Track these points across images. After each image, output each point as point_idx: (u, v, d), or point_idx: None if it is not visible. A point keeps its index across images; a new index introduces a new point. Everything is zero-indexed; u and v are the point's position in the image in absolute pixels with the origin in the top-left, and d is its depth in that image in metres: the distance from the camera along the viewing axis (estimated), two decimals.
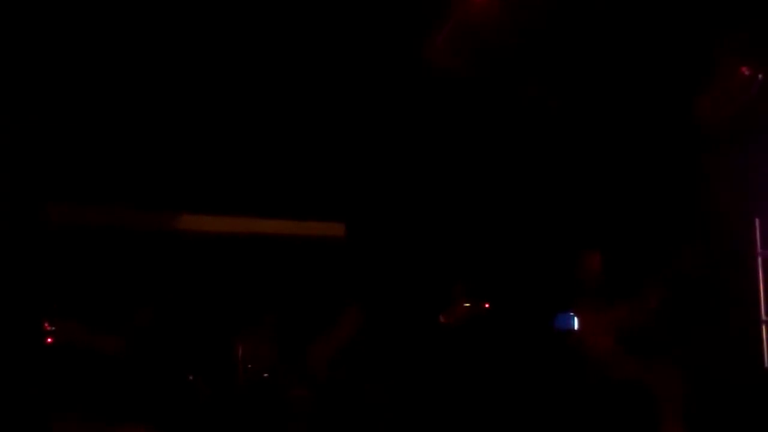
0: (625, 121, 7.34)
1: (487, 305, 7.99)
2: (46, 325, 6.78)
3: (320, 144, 7.87)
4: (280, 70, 7.19)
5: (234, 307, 7.69)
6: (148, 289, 7.41)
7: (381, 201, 8.18)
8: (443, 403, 7.39)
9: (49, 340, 6.77)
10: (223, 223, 8.03)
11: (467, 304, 8.04)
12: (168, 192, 7.66)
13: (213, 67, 7.02)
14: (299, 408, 7.14)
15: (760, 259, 7.52)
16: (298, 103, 7.51)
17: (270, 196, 8.00)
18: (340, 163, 8.03)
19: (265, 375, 7.43)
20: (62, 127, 6.97)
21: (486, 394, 7.38)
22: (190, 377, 7.18)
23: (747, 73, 6.63)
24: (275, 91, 7.38)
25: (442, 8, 6.33)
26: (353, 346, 7.48)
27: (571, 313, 7.08)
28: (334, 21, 6.64)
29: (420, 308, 7.97)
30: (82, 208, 7.43)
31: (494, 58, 6.64)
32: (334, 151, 7.94)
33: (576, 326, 7.05)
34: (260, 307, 7.76)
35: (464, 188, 8.13)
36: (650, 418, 6.57)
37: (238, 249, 7.94)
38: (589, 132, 7.56)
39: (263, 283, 7.87)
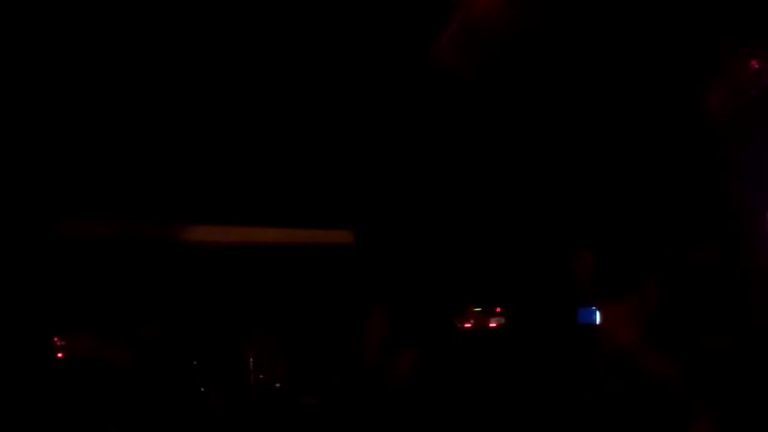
0: (634, 116, 7.29)
1: (498, 309, 7.96)
2: (56, 339, 6.75)
3: (327, 151, 7.84)
4: (286, 76, 7.15)
5: (245, 317, 7.67)
6: (157, 300, 7.38)
7: (389, 207, 8.15)
8: (467, 402, 7.36)
9: (59, 354, 6.74)
10: (231, 233, 8.00)
11: (478, 309, 8.02)
12: (177, 203, 7.64)
13: (219, 75, 7.00)
14: (311, 416, 7.10)
15: None
16: (305, 110, 7.48)
17: (278, 204, 7.98)
18: (347, 169, 8.00)
19: (277, 385, 7.39)
20: (68, 141, 6.96)
21: (510, 393, 7.33)
22: (202, 388, 7.13)
23: (756, 65, 6.58)
24: (282, 99, 7.35)
25: (447, 8, 6.29)
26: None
27: (593, 308, 7.05)
28: (342, 25, 6.61)
29: (434, 314, 7.93)
30: (89, 221, 7.42)
31: (499, 57, 6.61)
32: (341, 158, 7.91)
33: (598, 320, 7.01)
34: (271, 316, 7.73)
35: (469, 190, 8.11)
36: (679, 411, 6.52)
37: (247, 258, 7.92)
38: (600, 128, 7.52)
39: (273, 292, 7.85)
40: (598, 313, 7.16)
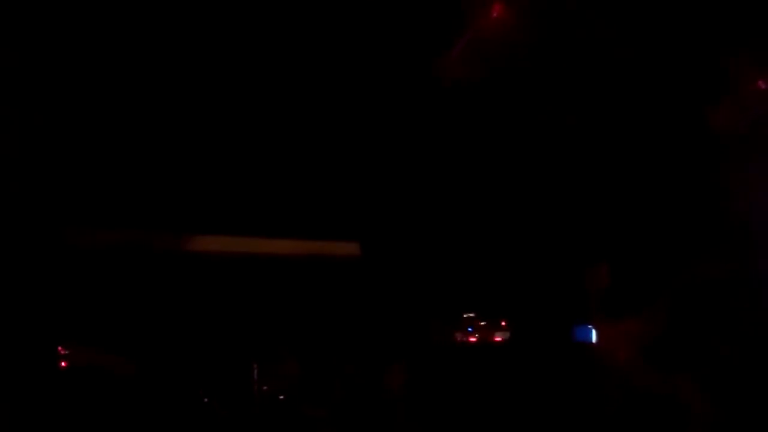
0: (642, 132, 7.29)
1: (503, 323, 7.96)
2: (60, 348, 6.76)
3: (333, 162, 7.84)
4: (296, 88, 7.16)
5: (249, 328, 7.67)
6: (161, 310, 7.39)
7: (397, 219, 8.14)
8: (467, 420, 7.36)
9: (63, 363, 6.74)
10: (236, 244, 8.00)
11: (483, 323, 8.02)
12: (183, 213, 7.64)
13: (229, 85, 7.00)
14: (317, 428, 7.10)
15: None
16: (313, 121, 7.48)
17: (285, 215, 7.97)
18: (353, 181, 8.00)
19: (281, 396, 7.39)
20: (75, 151, 6.97)
21: (508, 409, 7.33)
22: (206, 399, 7.13)
23: (764, 85, 6.58)
24: (291, 110, 7.35)
25: (457, 23, 6.29)
26: None
27: (589, 326, 7.04)
28: (350, 38, 6.61)
29: (437, 327, 7.93)
30: (96, 230, 7.41)
31: (510, 72, 6.61)
32: (347, 169, 7.92)
33: (594, 339, 7.01)
34: (275, 327, 7.74)
35: (477, 203, 8.10)
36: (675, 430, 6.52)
37: (251, 269, 7.91)
38: (605, 144, 7.51)
39: (278, 303, 7.85)
40: (594, 332, 7.16)
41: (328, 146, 7.69)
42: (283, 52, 6.79)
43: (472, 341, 7.97)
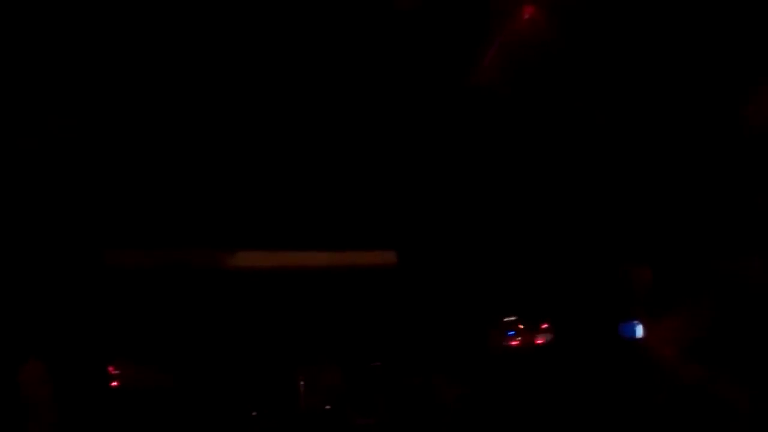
0: (677, 133, 7.29)
1: (545, 325, 7.95)
2: (111, 368, 6.81)
3: (366, 172, 7.88)
4: (326, 101, 7.21)
5: (294, 341, 7.70)
6: (206, 325, 7.43)
7: (432, 225, 8.16)
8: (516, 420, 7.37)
9: (114, 383, 6.80)
10: (277, 258, 8.03)
11: (522, 326, 8.03)
12: (220, 230, 7.68)
13: (255, 103, 7.06)
14: None
15: None
16: (345, 132, 7.53)
17: (322, 228, 8.00)
18: (387, 190, 8.03)
19: (328, 407, 7.41)
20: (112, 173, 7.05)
21: (558, 407, 7.33)
22: (254, 413, 7.17)
23: None
24: (321, 122, 7.40)
25: (486, 30, 6.32)
26: None
27: (636, 323, 7.04)
28: (381, 46, 6.66)
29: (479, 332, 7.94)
30: (134, 251, 7.46)
31: (540, 77, 6.63)
32: (380, 179, 7.94)
33: (641, 335, 7.01)
34: (319, 338, 7.76)
35: (512, 207, 8.11)
36: (719, 427, 6.50)
37: (292, 282, 7.94)
38: (640, 145, 7.52)
39: (320, 315, 7.87)
40: (640, 328, 7.15)
41: (359, 156, 7.73)
42: (314, 66, 6.85)
43: (515, 345, 7.97)
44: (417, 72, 6.95)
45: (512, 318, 8.06)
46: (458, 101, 7.18)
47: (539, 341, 7.93)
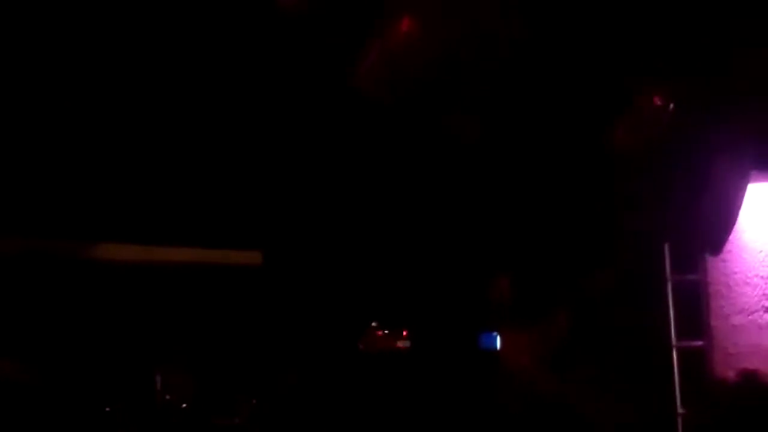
0: (538, 146, 7.49)
1: (405, 332, 8.07)
2: None
3: (235, 168, 7.86)
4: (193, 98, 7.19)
5: (151, 338, 7.61)
6: (62, 318, 7.29)
7: (298, 228, 8.19)
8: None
9: None
10: (136, 252, 7.94)
11: (384, 332, 8.12)
12: (80, 220, 7.55)
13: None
14: None
15: (670, 285, 7.72)
16: (215, 129, 7.50)
17: (185, 223, 7.94)
18: (256, 189, 8.02)
19: (184, 405, 7.35)
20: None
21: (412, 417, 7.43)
22: (107, 408, 7.06)
23: (659, 102, 6.84)
24: (194, 118, 7.36)
25: (368, 37, 6.37)
26: None
27: (495, 333, 7.20)
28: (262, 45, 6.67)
29: (338, 337, 8.00)
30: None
31: (417, 87, 6.72)
32: (250, 176, 7.94)
33: (499, 346, 7.18)
34: (177, 336, 7.70)
35: (379, 213, 8.20)
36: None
37: (152, 278, 7.86)
38: (503, 157, 7.69)
39: (179, 312, 7.81)
40: (498, 339, 7.34)
41: (227, 154, 7.71)
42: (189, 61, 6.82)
43: (373, 350, 8.06)
44: (290, 72, 6.99)
45: (373, 324, 8.15)
46: (330, 104, 7.24)
47: (398, 347, 8.04)
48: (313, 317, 7.99)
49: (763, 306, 7.57)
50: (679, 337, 7.65)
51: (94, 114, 7.03)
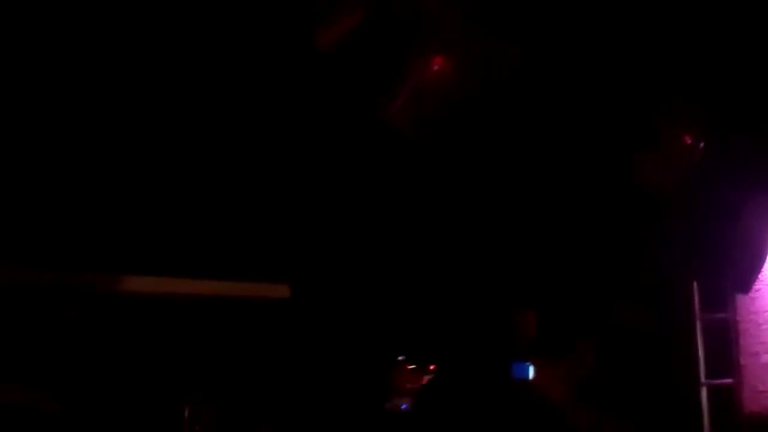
0: (569, 182, 7.51)
1: (432, 367, 8.06)
2: None
3: (265, 202, 7.91)
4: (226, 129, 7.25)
5: (178, 369, 7.64)
6: (89, 350, 7.33)
7: (326, 261, 8.22)
8: None
9: None
10: (165, 284, 7.96)
11: (412, 366, 8.13)
12: (110, 253, 7.60)
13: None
14: None
15: (699, 323, 7.71)
16: (244, 161, 7.56)
17: (213, 256, 7.98)
18: (285, 222, 8.06)
19: None
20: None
21: None
22: None
23: (689, 140, 6.87)
24: (224, 151, 7.43)
25: (399, 74, 6.44)
26: None
27: (527, 363, 7.21)
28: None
29: (367, 369, 8.01)
30: (19, 269, 7.32)
31: (446, 122, 6.77)
32: (279, 209, 7.99)
33: (532, 375, 7.18)
34: (204, 368, 7.72)
35: (406, 246, 8.23)
36: None
37: (181, 310, 7.89)
38: (530, 193, 7.72)
39: (208, 344, 7.84)
40: (531, 369, 7.34)
41: (258, 187, 7.77)
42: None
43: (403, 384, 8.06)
44: (323, 106, 7.06)
45: (401, 358, 8.16)
46: (361, 138, 7.30)
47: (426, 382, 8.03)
48: (339, 351, 8.00)
49: None
50: (708, 374, 7.64)
51: (122, 145, 7.10)
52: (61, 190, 7.23)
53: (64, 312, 7.32)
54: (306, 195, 7.93)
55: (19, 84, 6.53)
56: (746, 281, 7.26)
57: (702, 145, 6.89)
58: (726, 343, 7.71)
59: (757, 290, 7.56)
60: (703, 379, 7.65)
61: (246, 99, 7.05)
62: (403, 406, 7.96)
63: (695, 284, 7.79)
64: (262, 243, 8.08)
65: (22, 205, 7.10)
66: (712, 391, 7.59)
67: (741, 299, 7.66)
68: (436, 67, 6.40)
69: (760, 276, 7.33)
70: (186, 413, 7.35)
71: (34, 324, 7.20)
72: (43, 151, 6.98)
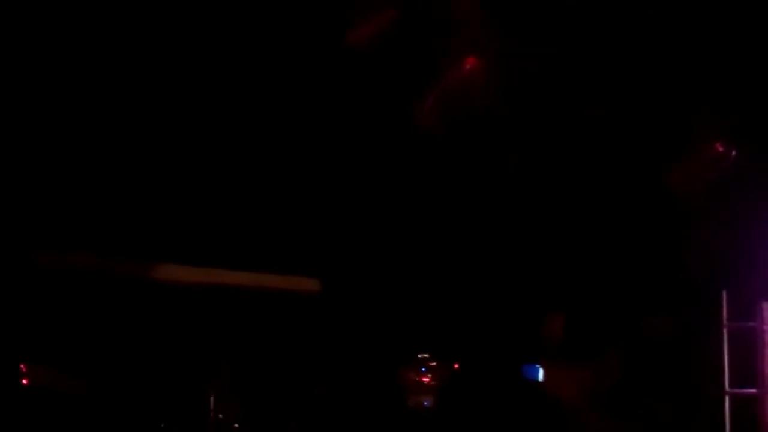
0: (600, 188, 7.51)
1: (456, 365, 8.10)
2: (22, 366, 6.79)
3: (301, 197, 7.97)
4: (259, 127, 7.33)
5: (206, 357, 7.73)
6: (121, 335, 7.44)
7: (357, 257, 8.27)
8: None
9: (24, 381, 6.78)
10: (198, 274, 8.06)
11: (434, 363, 8.16)
12: (147, 241, 7.71)
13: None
14: None
15: (726, 331, 7.65)
16: (276, 160, 7.63)
17: (247, 248, 8.06)
18: (318, 218, 8.12)
19: (236, 425, 7.46)
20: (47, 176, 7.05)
21: None
22: (162, 425, 7.19)
23: (721, 148, 6.85)
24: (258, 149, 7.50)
25: (430, 75, 6.48)
26: None
27: (538, 366, 7.24)
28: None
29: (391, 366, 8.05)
30: (61, 254, 7.45)
31: (478, 123, 6.80)
32: (314, 204, 8.04)
33: (542, 377, 7.20)
34: (232, 356, 7.81)
35: (431, 248, 8.25)
36: None
37: (213, 300, 7.98)
38: (562, 197, 7.72)
39: (237, 334, 7.92)
40: (541, 371, 7.35)
41: (293, 184, 7.84)
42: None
43: (426, 381, 8.10)
44: (355, 106, 7.11)
45: (425, 355, 8.20)
46: (391, 138, 7.33)
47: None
48: (365, 347, 8.05)
49: None
50: (732, 383, 7.58)
51: (161, 138, 7.19)
52: (106, 181, 7.36)
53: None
54: (340, 195, 7.98)
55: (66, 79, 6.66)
56: None
57: (733, 152, 6.87)
58: (752, 352, 7.64)
59: None
60: (727, 388, 7.59)
61: (282, 97, 7.11)
62: (426, 403, 8.00)
63: (723, 293, 7.73)
64: (296, 238, 8.14)
65: (65, 192, 7.23)
66: (736, 400, 7.52)
67: None
68: (467, 67, 6.43)
69: None
70: (211, 401, 7.45)
71: (72, 309, 7.33)
72: (88, 145, 7.11)
